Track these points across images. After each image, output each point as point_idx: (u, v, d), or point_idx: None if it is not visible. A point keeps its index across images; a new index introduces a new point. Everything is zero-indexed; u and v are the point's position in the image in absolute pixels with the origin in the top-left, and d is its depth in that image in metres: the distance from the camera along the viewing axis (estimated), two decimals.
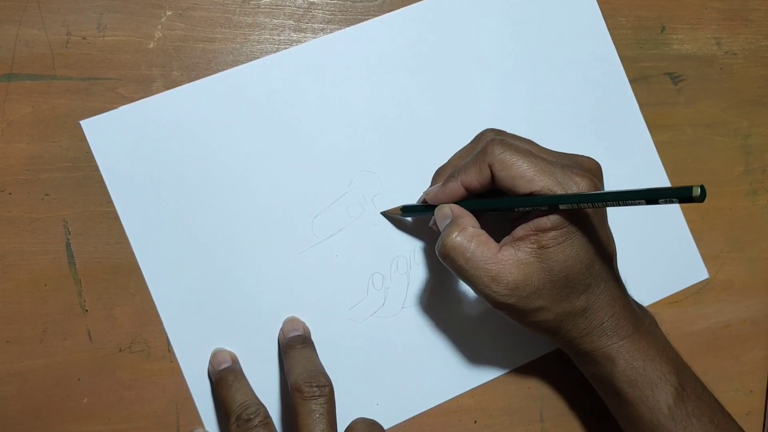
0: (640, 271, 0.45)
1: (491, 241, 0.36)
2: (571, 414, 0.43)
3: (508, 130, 0.39)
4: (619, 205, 0.31)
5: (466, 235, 0.36)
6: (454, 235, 0.36)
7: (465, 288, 0.42)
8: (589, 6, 0.45)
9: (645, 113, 0.45)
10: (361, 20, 0.42)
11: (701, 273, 0.46)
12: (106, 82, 0.39)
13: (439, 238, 0.36)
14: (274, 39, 0.41)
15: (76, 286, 0.39)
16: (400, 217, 0.41)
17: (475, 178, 0.36)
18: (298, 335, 0.39)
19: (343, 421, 0.36)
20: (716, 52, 0.47)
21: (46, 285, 0.38)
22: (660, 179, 0.45)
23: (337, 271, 0.41)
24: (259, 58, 0.41)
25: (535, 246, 0.35)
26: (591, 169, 0.37)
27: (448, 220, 0.37)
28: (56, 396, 0.38)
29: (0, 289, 0.38)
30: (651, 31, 0.46)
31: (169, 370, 0.39)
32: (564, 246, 0.35)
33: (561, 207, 0.33)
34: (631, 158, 0.45)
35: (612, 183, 0.44)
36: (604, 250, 0.36)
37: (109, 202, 0.39)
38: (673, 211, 0.46)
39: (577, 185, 0.34)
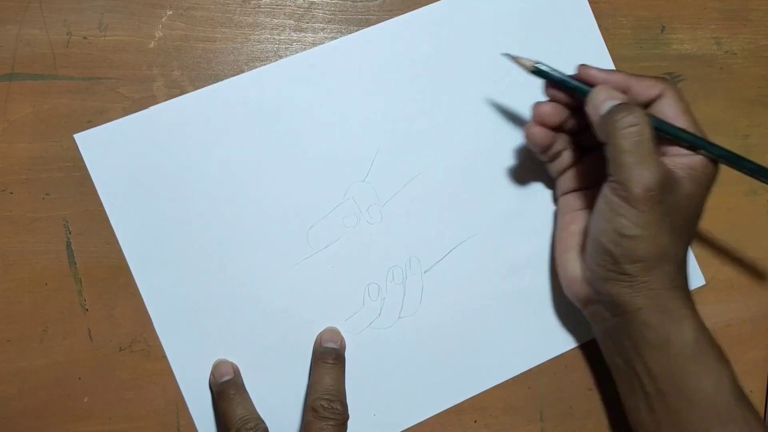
0: None
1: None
2: (571, 414, 0.43)
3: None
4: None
5: (648, 124, 0.34)
6: (642, 113, 0.34)
7: (461, 298, 0.42)
8: (582, 10, 0.44)
9: None
10: (361, 20, 0.42)
11: (697, 279, 0.45)
12: (107, 81, 0.39)
13: (624, 103, 0.35)
14: (274, 39, 0.41)
15: (76, 285, 0.39)
16: (525, 71, 0.38)
17: (643, 88, 0.37)
18: (334, 348, 0.39)
19: None
20: (716, 51, 0.47)
21: (46, 284, 0.38)
22: None
23: (332, 282, 0.41)
24: (259, 57, 0.41)
25: (690, 171, 0.36)
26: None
27: (616, 102, 0.35)
28: (56, 395, 0.38)
29: (0, 289, 0.38)
30: (651, 31, 0.46)
31: (170, 370, 0.39)
32: (704, 187, 0.36)
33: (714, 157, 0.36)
34: None
35: None
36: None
37: None
38: None
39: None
